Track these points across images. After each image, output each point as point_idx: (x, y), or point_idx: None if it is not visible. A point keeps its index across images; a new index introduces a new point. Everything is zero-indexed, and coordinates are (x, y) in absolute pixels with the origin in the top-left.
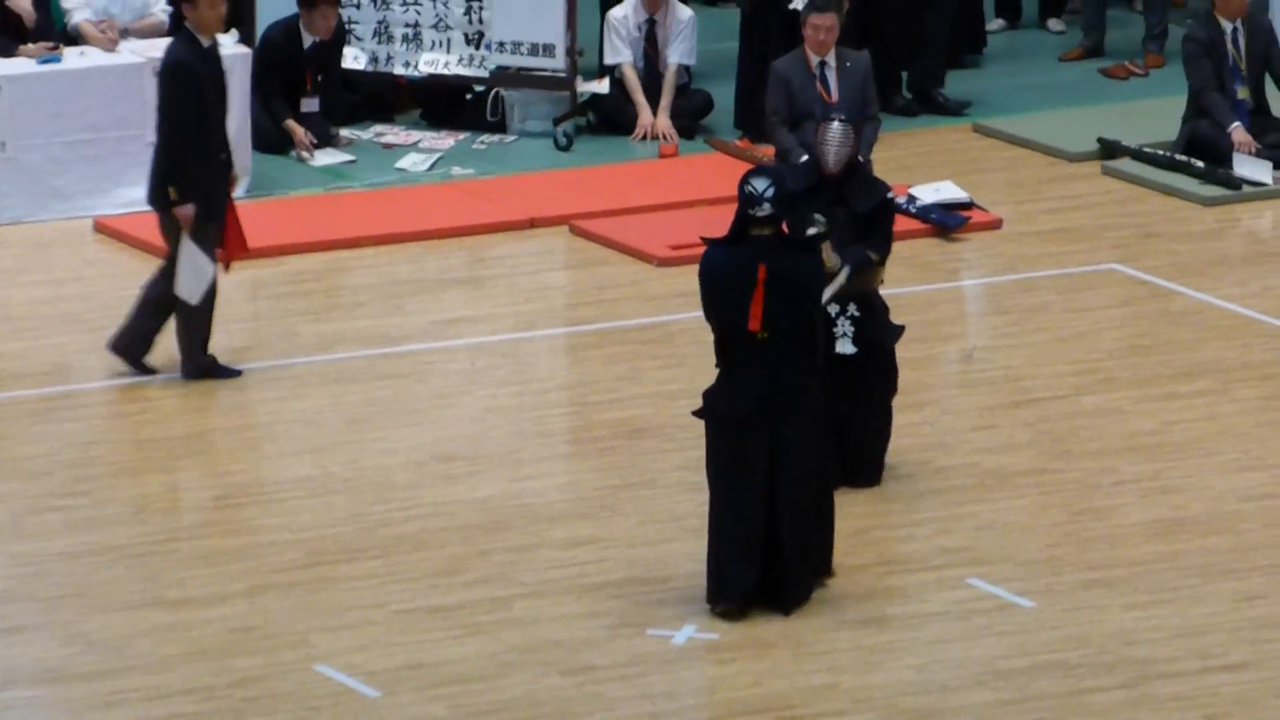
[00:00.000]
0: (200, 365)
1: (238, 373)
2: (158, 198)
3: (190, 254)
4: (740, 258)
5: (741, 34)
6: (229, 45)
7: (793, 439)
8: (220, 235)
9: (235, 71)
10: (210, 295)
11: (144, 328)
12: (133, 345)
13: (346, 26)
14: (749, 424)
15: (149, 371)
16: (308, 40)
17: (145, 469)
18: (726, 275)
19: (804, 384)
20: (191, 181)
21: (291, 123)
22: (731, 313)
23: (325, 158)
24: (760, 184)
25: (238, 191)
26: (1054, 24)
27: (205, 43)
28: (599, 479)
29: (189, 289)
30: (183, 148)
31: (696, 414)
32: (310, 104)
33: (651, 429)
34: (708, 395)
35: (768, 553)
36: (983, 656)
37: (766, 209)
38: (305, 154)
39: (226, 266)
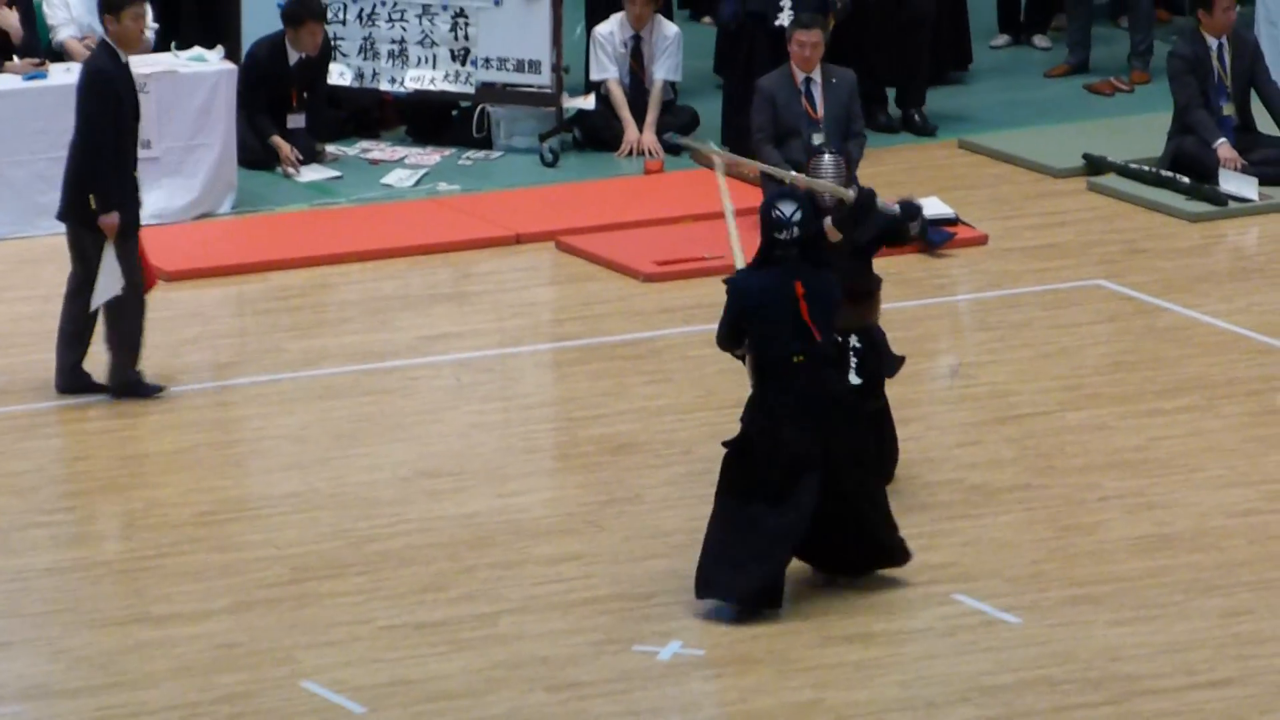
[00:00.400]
0: (125, 381)
1: (160, 389)
2: (72, 211)
3: (110, 263)
4: (775, 279)
5: (725, 51)
6: (214, 62)
7: (842, 445)
8: (137, 255)
9: (220, 88)
10: (133, 311)
11: (71, 358)
12: (76, 379)
13: (333, 43)
14: (796, 442)
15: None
16: (293, 57)
17: (131, 485)
18: (763, 298)
19: (841, 390)
20: (109, 191)
21: (277, 139)
22: (778, 335)
23: (311, 174)
24: (787, 208)
25: (224, 207)
26: (1040, 40)
27: (123, 57)
28: (584, 495)
29: (99, 295)
30: (100, 157)
31: (729, 446)
32: (296, 120)
33: (637, 445)
34: (744, 429)
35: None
36: (968, 673)
37: (794, 233)
38: (291, 170)
39: (145, 291)
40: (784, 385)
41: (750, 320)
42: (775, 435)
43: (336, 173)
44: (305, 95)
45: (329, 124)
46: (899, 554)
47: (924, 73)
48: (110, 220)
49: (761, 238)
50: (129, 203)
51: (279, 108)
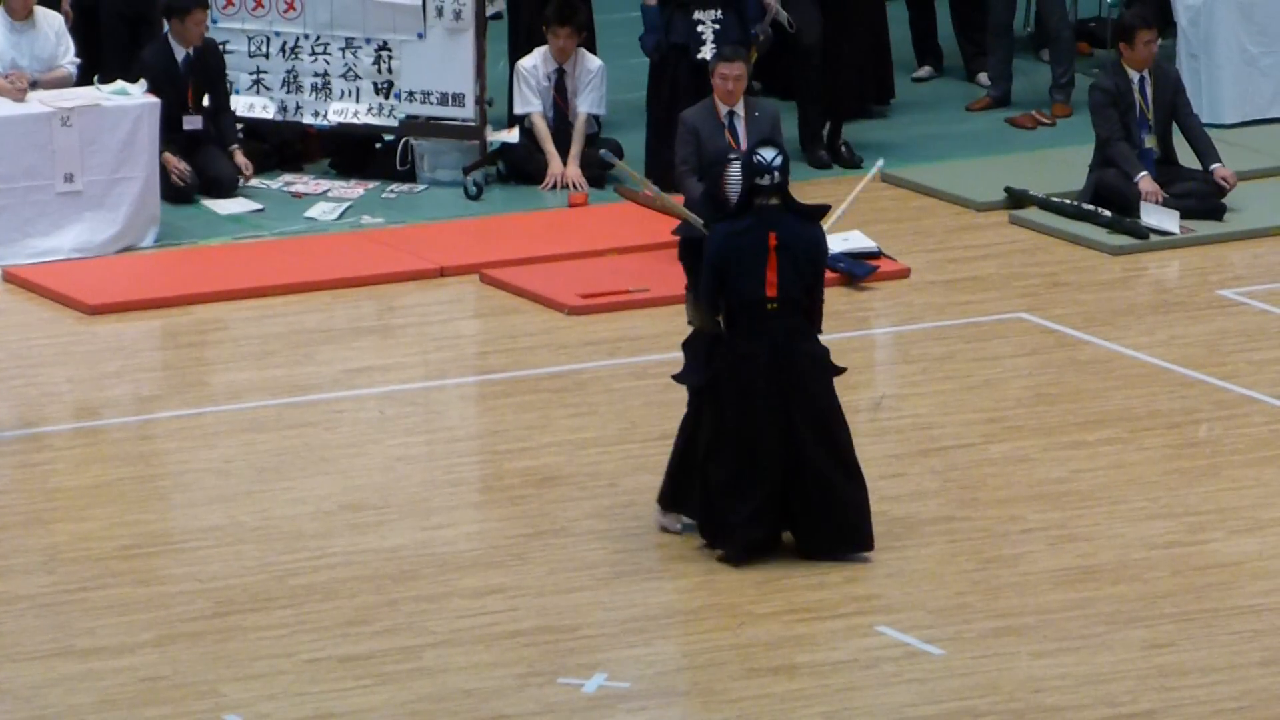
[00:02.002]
0: None
1: None
2: None
3: None
4: (750, 228)
5: (650, 84)
6: (137, 95)
7: (808, 402)
8: None
9: (143, 122)
10: None
11: None
12: None
13: (256, 76)
14: (759, 390)
15: None
16: (180, 53)
17: (54, 518)
18: (738, 246)
19: (812, 350)
20: None
21: (166, 155)
22: (746, 282)
23: (233, 206)
24: (768, 153)
25: (147, 240)
26: (983, 78)
27: None
28: (509, 528)
29: None
30: None
31: (693, 386)
32: (193, 122)
33: (562, 477)
34: (713, 368)
35: (797, 505)
36: (892, 704)
37: (776, 177)
38: (178, 180)
39: None
40: (755, 330)
41: (725, 265)
42: (741, 379)
43: (259, 205)
44: (202, 97)
45: (235, 134)
46: (863, 537)
47: (817, 102)
48: None
49: (742, 185)
50: None
51: (175, 111)
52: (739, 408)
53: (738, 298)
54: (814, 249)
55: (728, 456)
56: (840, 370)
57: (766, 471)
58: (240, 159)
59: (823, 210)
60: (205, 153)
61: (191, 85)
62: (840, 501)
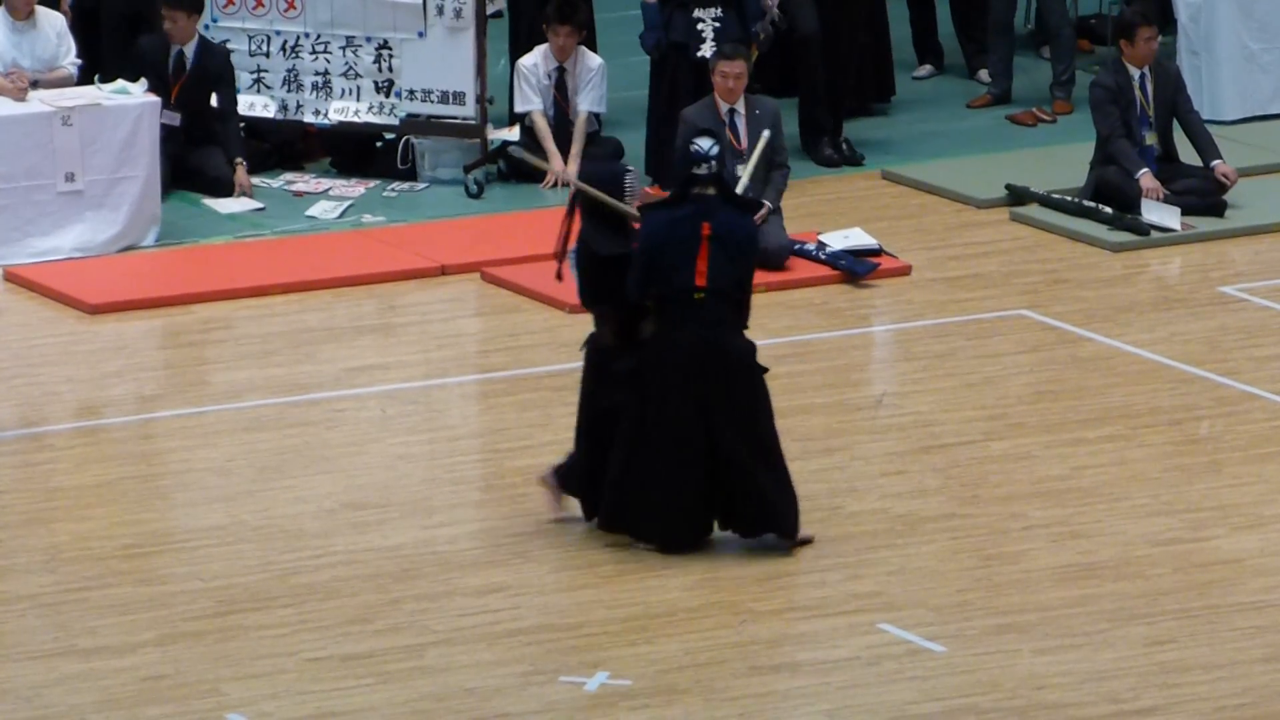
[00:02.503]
0: None
1: None
2: None
3: None
4: (683, 217)
5: (651, 82)
6: (138, 94)
7: (730, 395)
8: None
9: (144, 121)
10: None
11: None
12: None
13: (256, 75)
14: (681, 379)
15: None
16: (174, 49)
17: (56, 518)
18: (670, 234)
19: (738, 343)
20: None
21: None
22: (676, 271)
23: (233, 205)
24: (705, 143)
25: (148, 240)
26: (984, 75)
27: None
28: (511, 526)
29: None
30: None
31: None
32: (170, 117)
33: None
34: (637, 356)
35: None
36: (894, 702)
37: (713, 166)
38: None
39: None
40: (682, 318)
41: (658, 253)
42: (664, 368)
43: (259, 204)
44: (192, 96)
45: (236, 140)
46: (787, 523)
47: (818, 99)
48: None
49: (678, 174)
50: None
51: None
52: (661, 396)
53: (667, 287)
54: (747, 241)
55: (649, 446)
56: (764, 369)
57: (687, 462)
58: (241, 177)
59: (758, 205)
60: (206, 153)
61: (181, 82)
62: (759, 489)
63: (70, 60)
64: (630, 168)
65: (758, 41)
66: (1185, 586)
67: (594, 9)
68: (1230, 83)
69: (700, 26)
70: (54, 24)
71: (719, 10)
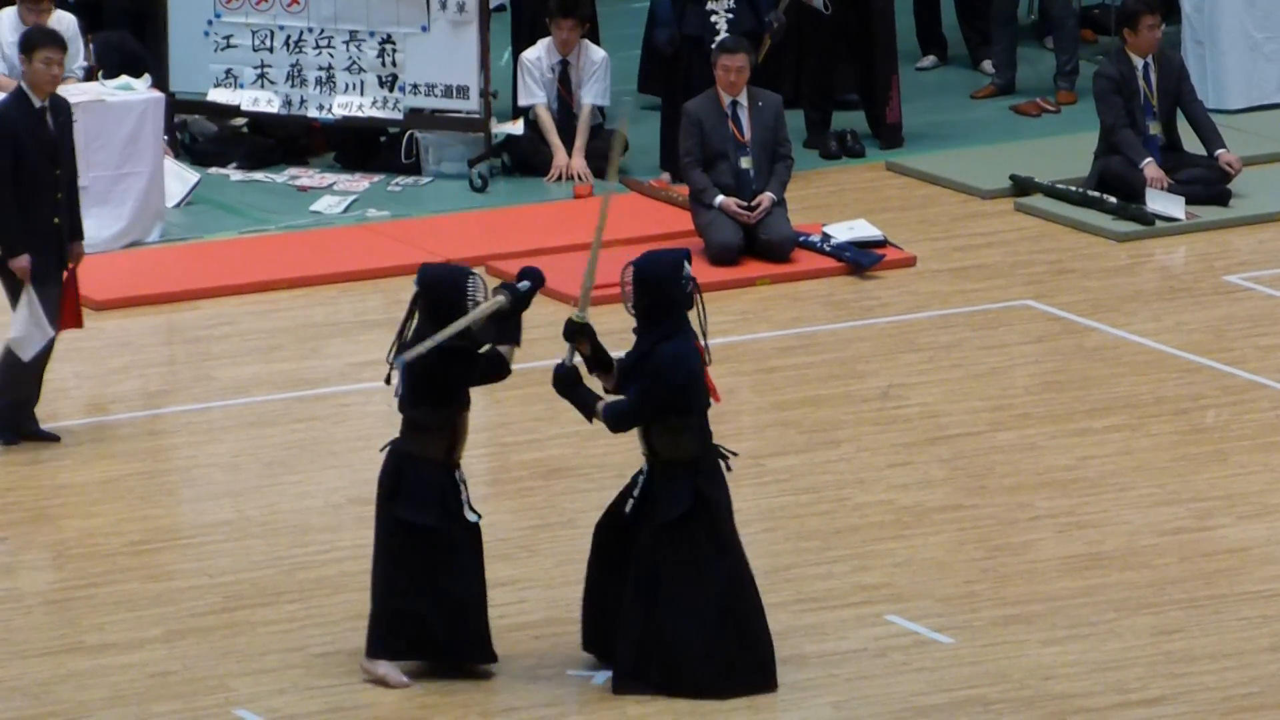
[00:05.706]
0: (13, 429)
1: (56, 438)
2: None
3: (33, 307)
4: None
5: (656, 73)
6: (141, 90)
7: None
8: (58, 303)
9: (148, 117)
10: (42, 358)
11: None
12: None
13: (260, 70)
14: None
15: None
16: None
17: (62, 515)
18: (698, 362)
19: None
20: (11, 236)
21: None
22: (705, 394)
23: (172, 182)
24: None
25: (153, 236)
26: (988, 66)
27: (37, 103)
28: (517, 520)
29: (24, 344)
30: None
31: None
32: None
33: (569, 469)
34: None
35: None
36: (902, 693)
37: (691, 285)
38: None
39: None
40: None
41: (697, 385)
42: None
43: (195, 175)
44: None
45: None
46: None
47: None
48: (22, 264)
49: (674, 303)
50: (45, 247)
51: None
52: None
53: (703, 406)
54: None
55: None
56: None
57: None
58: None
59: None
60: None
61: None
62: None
63: (78, 65)
64: (474, 270)
65: (771, 31)
66: (1192, 576)
67: (596, 2)
68: (1235, 72)
69: (714, 19)
70: (67, 27)
71: (732, 1)
